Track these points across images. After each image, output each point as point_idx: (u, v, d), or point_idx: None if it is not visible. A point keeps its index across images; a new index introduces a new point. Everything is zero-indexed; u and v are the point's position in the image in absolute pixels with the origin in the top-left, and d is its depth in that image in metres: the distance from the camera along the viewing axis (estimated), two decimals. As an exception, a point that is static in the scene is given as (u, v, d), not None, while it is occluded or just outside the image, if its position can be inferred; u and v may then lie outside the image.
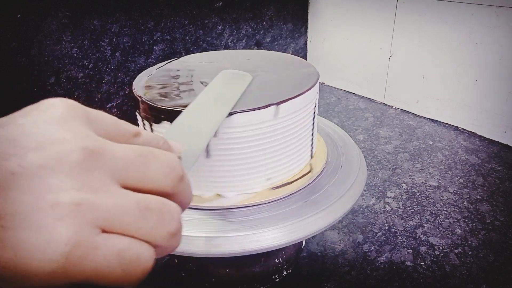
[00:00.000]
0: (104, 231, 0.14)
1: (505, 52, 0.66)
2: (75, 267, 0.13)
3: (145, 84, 0.38)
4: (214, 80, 0.35)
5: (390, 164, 0.66)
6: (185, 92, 0.36)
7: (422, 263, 0.46)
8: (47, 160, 0.14)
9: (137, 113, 0.37)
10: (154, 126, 0.34)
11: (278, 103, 0.33)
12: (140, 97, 0.35)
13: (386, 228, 0.51)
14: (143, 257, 0.15)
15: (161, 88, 0.37)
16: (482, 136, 0.74)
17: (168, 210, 0.16)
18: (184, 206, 0.18)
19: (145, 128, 0.36)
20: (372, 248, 0.48)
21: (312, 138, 0.40)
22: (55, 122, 0.15)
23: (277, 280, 0.43)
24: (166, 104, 0.33)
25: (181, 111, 0.27)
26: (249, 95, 0.34)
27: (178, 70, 0.41)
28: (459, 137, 0.74)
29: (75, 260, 0.13)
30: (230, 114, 0.31)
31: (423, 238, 0.49)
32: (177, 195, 0.17)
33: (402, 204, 0.56)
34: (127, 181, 0.15)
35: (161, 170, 0.16)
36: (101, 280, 0.14)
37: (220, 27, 0.83)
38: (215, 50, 0.84)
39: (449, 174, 0.63)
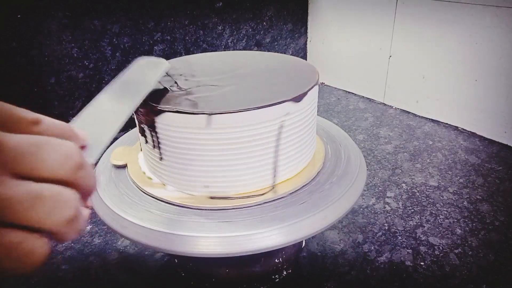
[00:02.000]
0: None
1: (505, 52, 0.66)
2: None
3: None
4: (129, 68, 0.34)
5: (390, 164, 0.66)
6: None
7: (422, 263, 0.46)
8: None
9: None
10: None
11: (210, 114, 0.31)
12: None
13: (386, 228, 0.51)
14: (36, 248, 0.15)
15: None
16: (482, 136, 0.74)
17: (63, 197, 0.16)
18: (86, 193, 0.18)
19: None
20: (372, 248, 0.48)
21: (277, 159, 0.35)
22: None
23: (277, 280, 0.43)
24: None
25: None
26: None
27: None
28: (459, 137, 0.74)
29: None
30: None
31: (423, 238, 0.49)
32: (76, 183, 0.17)
33: (402, 204, 0.56)
34: (20, 170, 0.16)
35: (56, 159, 0.17)
36: None
37: (220, 28, 0.83)
38: (215, 50, 0.85)
39: (449, 174, 0.63)
